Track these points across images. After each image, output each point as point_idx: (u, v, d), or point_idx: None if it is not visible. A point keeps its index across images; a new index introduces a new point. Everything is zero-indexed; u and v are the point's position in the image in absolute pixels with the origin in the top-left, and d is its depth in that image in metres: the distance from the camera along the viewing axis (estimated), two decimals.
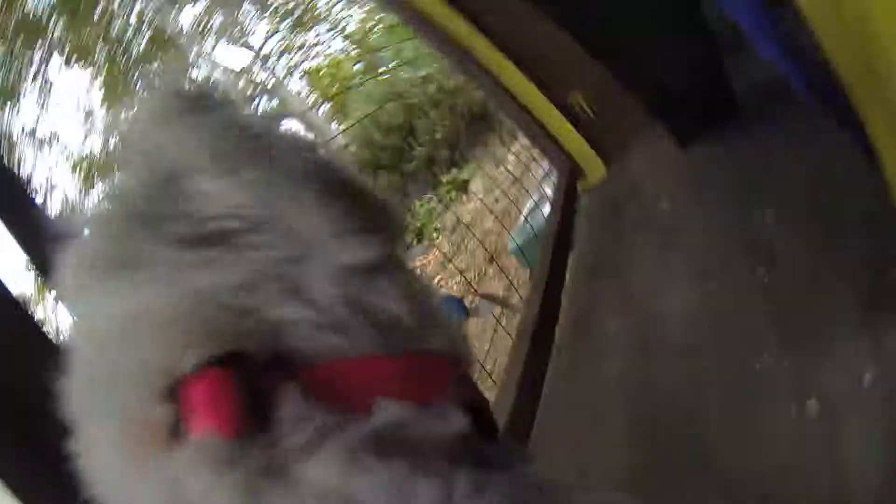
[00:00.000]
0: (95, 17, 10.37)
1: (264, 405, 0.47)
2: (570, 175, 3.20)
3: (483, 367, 2.55)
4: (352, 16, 11.80)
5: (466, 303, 3.20)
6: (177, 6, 11.40)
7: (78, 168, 11.86)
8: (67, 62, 10.59)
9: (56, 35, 10.37)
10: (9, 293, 1.03)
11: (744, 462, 1.25)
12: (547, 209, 3.32)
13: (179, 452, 0.46)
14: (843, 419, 1.18)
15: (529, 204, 4.03)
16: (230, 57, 12.72)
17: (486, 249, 3.99)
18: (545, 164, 4.05)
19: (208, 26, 11.81)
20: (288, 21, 12.24)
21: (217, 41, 12.09)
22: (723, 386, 1.46)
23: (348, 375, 0.52)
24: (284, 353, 0.51)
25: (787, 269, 1.63)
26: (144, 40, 11.07)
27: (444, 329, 0.60)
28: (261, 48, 12.40)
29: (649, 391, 1.63)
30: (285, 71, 12.71)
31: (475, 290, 3.48)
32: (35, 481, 0.77)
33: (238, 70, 12.40)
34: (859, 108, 0.99)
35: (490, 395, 2.48)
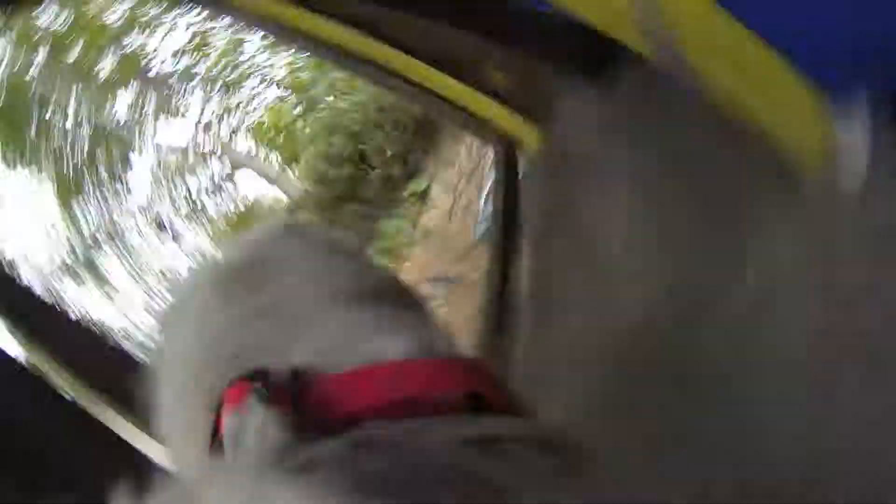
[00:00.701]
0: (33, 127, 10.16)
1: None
2: (508, 148, 3.24)
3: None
4: (273, 64, 11.91)
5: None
6: (109, 97, 11.33)
7: None
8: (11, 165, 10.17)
9: None
10: None
11: (703, 348, 1.31)
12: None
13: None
14: (777, 284, 1.26)
15: (486, 190, 4.07)
16: (172, 133, 12.77)
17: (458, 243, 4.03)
18: (490, 149, 4.08)
19: (144, 110, 11.89)
20: (219, 85, 12.39)
21: (156, 121, 12.20)
22: (671, 289, 1.54)
23: (352, 383, 0.55)
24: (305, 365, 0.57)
25: (708, 169, 1.69)
26: (86, 141, 11.06)
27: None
28: (199, 118, 12.55)
29: (610, 325, 1.67)
30: (230, 133, 12.82)
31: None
32: None
33: (183, 144, 12.48)
34: None
35: None
